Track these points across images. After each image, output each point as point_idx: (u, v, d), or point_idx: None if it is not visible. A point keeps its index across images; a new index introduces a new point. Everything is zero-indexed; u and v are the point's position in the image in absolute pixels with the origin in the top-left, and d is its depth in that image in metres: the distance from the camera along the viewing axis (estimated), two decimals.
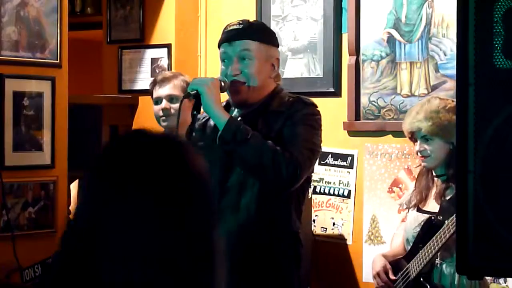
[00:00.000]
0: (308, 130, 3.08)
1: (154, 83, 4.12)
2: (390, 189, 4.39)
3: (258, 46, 3.14)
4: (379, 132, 4.43)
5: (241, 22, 3.22)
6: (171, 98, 3.99)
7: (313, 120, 3.12)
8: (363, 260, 4.46)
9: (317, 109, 3.19)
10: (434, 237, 3.33)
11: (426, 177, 3.58)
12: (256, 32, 3.18)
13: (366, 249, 4.45)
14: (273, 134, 3.07)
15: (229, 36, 3.19)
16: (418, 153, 3.51)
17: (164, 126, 3.99)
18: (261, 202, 3.09)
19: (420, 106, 3.52)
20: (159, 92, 4.05)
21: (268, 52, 3.17)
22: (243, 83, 3.13)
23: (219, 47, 3.25)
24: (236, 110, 3.22)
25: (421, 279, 3.41)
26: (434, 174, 3.54)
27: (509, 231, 1.92)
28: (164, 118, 4.01)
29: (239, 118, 3.15)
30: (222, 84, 3.10)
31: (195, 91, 3.03)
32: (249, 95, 3.13)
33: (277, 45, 3.25)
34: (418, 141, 3.49)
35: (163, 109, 4.01)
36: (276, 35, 3.31)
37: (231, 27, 3.21)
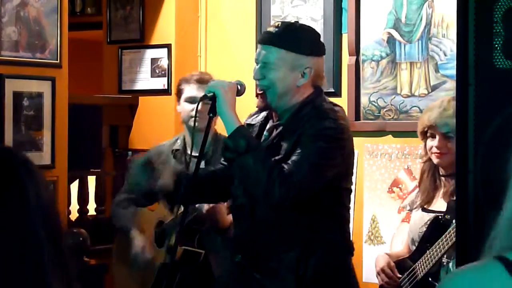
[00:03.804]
0: (318, 146, 3.01)
1: (187, 81, 4.06)
2: (390, 189, 4.39)
3: (283, 54, 3.07)
4: (379, 132, 4.43)
5: (279, 25, 3.16)
6: None
7: (327, 135, 3.05)
8: (363, 260, 4.46)
9: (338, 122, 3.10)
10: (443, 237, 3.31)
11: (431, 176, 3.55)
12: (286, 40, 3.10)
13: (366, 249, 4.45)
14: (283, 151, 3.06)
15: (261, 39, 3.18)
16: (435, 149, 3.47)
17: (196, 127, 3.87)
18: (287, 216, 3.10)
19: (447, 102, 3.48)
20: (195, 92, 3.99)
21: (296, 61, 3.09)
22: (265, 87, 3.12)
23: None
24: (270, 121, 3.22)
25: (430, 279, 3.39)
26: (442, 173, 3.52)
27: None
28: (198, 119, 3.89)
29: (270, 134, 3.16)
30: (239, 87, 3.09)
31: (212, 94, 3.02)
32: (271, 100, 3.12)
33: (313, 54, 3.13)
34: (438, 137, 3.45)
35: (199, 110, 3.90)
36: (318, 42, 3.18)
37: (268, 29, 3.19)
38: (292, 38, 3.13)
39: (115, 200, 4.34)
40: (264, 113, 3.27)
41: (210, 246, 3.90)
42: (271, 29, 3.17)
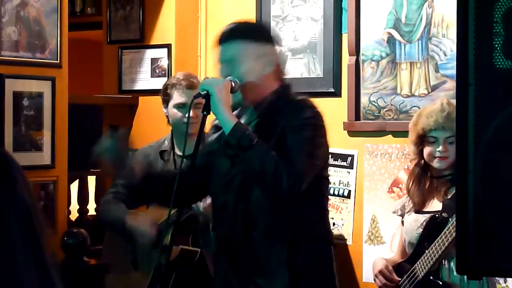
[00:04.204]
0: (307, 135, 3.06)
1: (175, 87, 4.05)
2: (390, 189, 4.39)
3: (246, 45, 3.11)
4: (379, 132, 4.43)
5: (232, 23, 3.23)
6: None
7: (312, 123, 3.10)
8: (363, 260, 4.46)
9: (316, 110, 3.16)
10: (442, 235, 3.31)
11: (422, 179, 3.55)
12: (244, 31, 3.16)
13: (366, 249, 4.45)
14: (271, 143, 3.06)
15: (219, 38, 3.19)
16: (439, 153, 3.47)
17: (189, 132, 3.86)
18: (272, 210, 3.10)
19: (447, 105, 3.48)
20: (184, 98, 3.96)
21: (259, 49, 3.13)
22: (235, 82, 3.13)
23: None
24: (244, 116, 3.21)
25: (431, 278, 3.40)
26: (435, 175, 3.52)
27: (509, 231, 1.92)
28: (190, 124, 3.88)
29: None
30: (233, 84, 3.09)
31: (206, 92, 3.02)
32: (245, 95, 3.13)
33: (272, 42, 3.20)
34: (442, 141, 3.46)
35: (192, 116, 3.89)
36: (273, 33, 3.26)
37: (223, 29, 3.22)
38: (250, 28, 3.22)
39: (102, 199, 4.31)
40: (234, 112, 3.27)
41: (205, 244, 3.90)
42: (225, 28, 3.20)
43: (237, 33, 3.15)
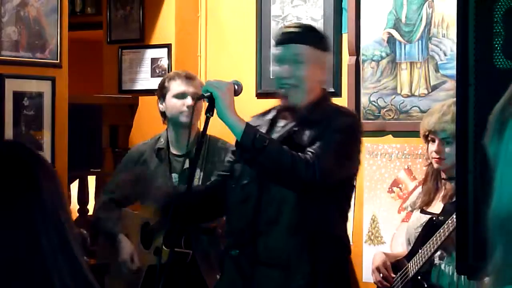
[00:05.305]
0: (343, 139, 3.11)
1: (172, 78, 4.06)
2: (390, 189, 4.39)
3: (311, 51, 3.17)
4: (379, 132, 4.43)
5: (298, 25, 3.33)
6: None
7: (350, 130, 3.17)
8: (363, 260, 4.46)
9: (357, 120, 3.24)
10: (433, 237, 3.33)
11: (434, 179, 3.55)
12: (311, 37, 3.22)
13: (366, 249, 4.45)
14: (307, 139, 3.09)
15: (285, 39, 3.22)
16: (434, 154, 3.47)
17: (185, 122, 3.96)
18: (300, 210, 3.12)
19: (447, 107, 3.47)
20: (184, 87, 4.01)
21: (319, 57, 3.21)
22: (291, 86, 3.15)
23: (276, 46, 3.28)
24: (281, 122, 3.25)
25: (419, 278, 3.41)
26: (444, 176, 3.52)
27: None
28: (187, 114, 3.95)
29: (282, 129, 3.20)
30: (236, 87, 3.08)
31: (209, 94, 3.00)
32: (298, 98, 3.16)
33: (329, 50, 3.32)
34: (437, 142, 3.45)
35: (188, 106, 3.96)
36: (328, 40, 3.35)
37: (288, 29, 3.27)
38: (316, 35, 3.27)
39: (97, 202, 4.33)
40: (270, 115, 3.28)
41: (197, 246, 3.90)
42: (292, 29, 3.26)
43: (303, 37, 3.19)
